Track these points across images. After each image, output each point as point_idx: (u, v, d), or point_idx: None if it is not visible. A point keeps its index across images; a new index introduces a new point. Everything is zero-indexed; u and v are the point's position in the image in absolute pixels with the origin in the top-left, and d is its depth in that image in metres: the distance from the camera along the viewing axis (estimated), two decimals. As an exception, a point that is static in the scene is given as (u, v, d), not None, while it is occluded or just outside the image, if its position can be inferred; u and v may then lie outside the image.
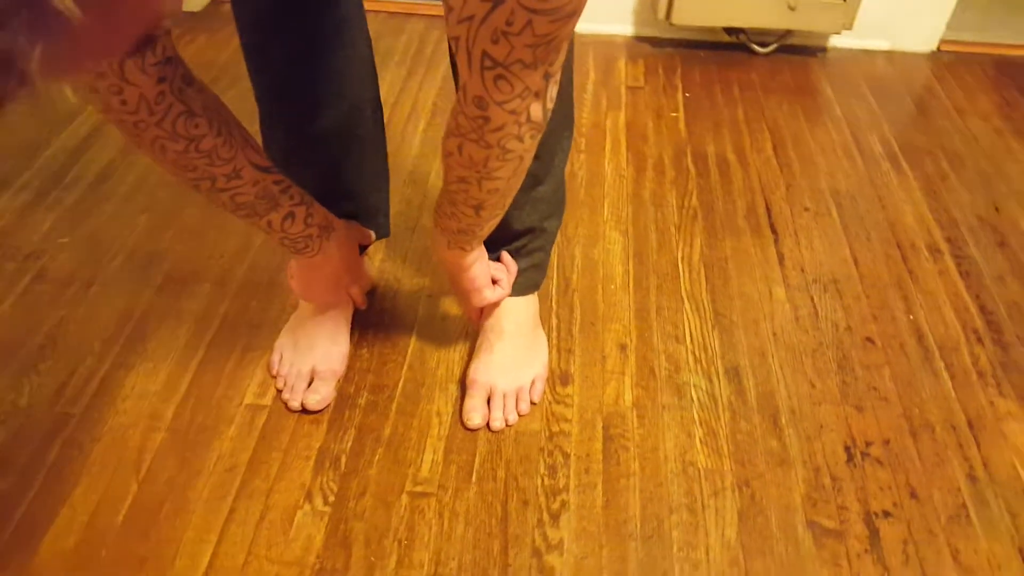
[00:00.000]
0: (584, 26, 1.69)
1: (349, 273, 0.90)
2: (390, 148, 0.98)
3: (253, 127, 0.78)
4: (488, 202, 0.66)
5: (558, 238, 1.06)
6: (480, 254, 0.81)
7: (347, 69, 0.82)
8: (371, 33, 0.87)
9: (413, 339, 1.00)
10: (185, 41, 1.59)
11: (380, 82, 0.91)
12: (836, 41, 1.72)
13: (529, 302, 0.96)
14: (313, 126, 0.83)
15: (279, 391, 0.93)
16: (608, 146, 1.38)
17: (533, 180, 0.83)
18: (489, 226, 0.73)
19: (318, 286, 0.88)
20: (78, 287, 1.04)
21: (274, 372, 0.94)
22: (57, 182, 1.22)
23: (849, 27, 1.58)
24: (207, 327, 1.00)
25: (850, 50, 1.71)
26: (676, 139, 1.40)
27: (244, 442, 0.87)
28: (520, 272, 0.91)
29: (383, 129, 0.93)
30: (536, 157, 0.76)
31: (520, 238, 0.90)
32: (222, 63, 1.53)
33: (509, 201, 0.69)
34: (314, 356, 0.92)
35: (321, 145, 0.86)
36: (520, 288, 0.93)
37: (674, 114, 1.48)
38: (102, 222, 1.15)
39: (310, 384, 0.91)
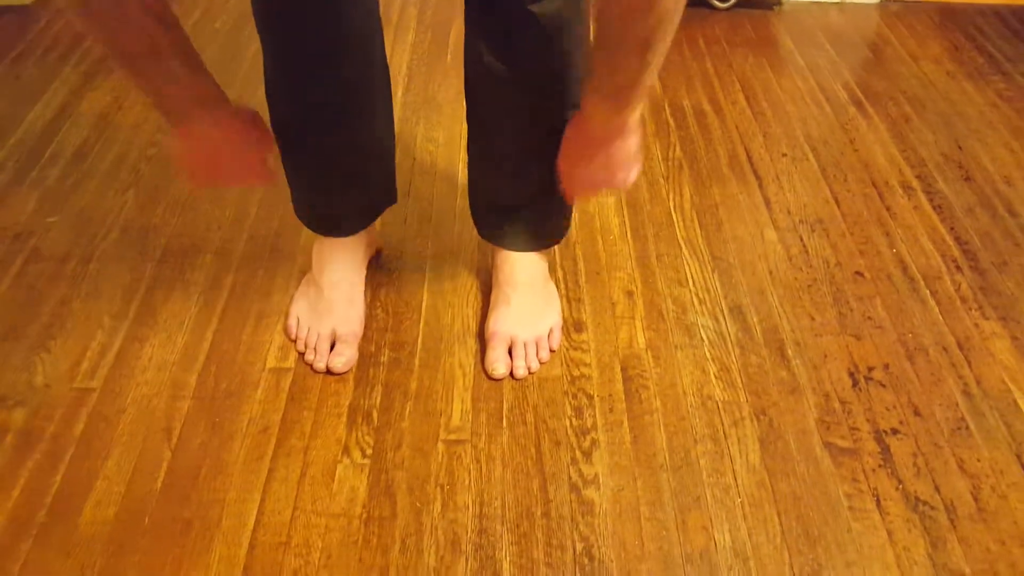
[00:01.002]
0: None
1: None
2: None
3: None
4: (655, 37, 0.61)
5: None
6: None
7: (361, 24, 0.81)
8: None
9: (425, 297, 1.02)
10: None
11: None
12: None
13: (541, 255, 0.98)
14: (328, 82, 0.81)
15: (301, 354, 0.93)
16: (589, 103, 1.40)
17: None
18: (652, 75, 0.67)
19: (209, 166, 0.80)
20: (76, 264, 1.02)
21: (293, 336, 0.94)
22: (35, 161, 1.17)
23: None
24: (217, 297, 0.99)
25: (804, 2, 1.77)
26: (652, 94, 1.43)
27: (273, 404, 0.88)
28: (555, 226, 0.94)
29: (390, 89, 0.92)
30: None
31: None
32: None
33: (672, 34, 0.63)
34: (333, 319, 0.93)
35: (335, 104, 0.84)
36: (540, 242, 0.95)
37: None
38: (89, 199, 1.12)
39: (332, 347, 0.92)
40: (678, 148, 1.30)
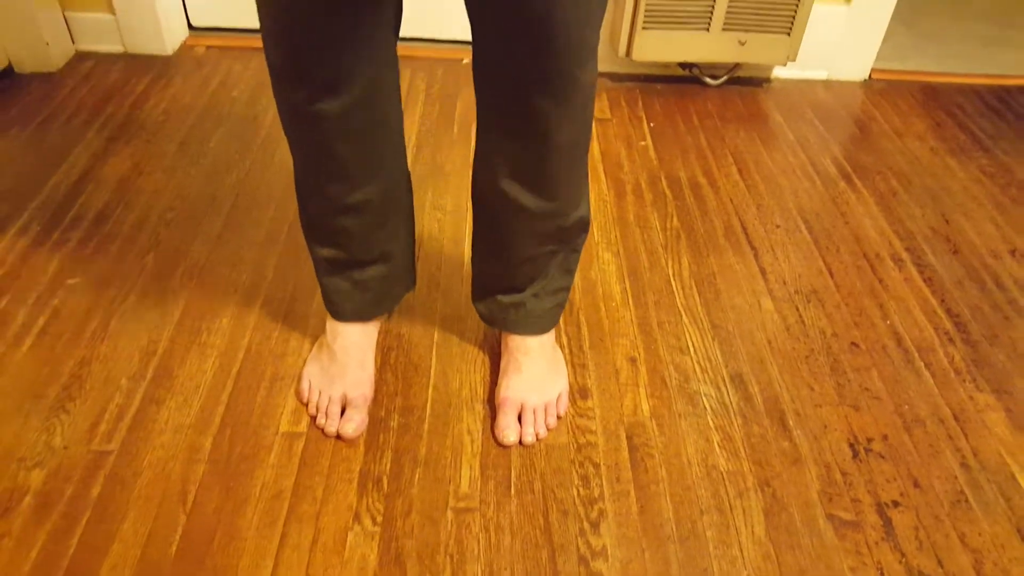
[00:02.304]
0: (554, 60, 1.78)
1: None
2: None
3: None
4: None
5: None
6: None
7: (385, 146, 0.85)
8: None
9: (434, 361, 1.04)
10: (160, 86, 1.60)
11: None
12: (779, 72, 1.86)
13: (548, 322, 1.01)
14: (353, 198, 0.85)
15: (313, 418, 0.95)
16: (588, 174, 1.45)
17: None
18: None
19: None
20: (95, 326, 1.04)
21: (305, 400, 0.97)
22: (57, 223, 1.21)
23: (793, 59, 1.71)
24: (232, 360, 1.02)
25: (792, 80, 1.85)
26: (649, 166, 1.49)
27: (286, 469, 0.89)
28: (547, 310, 0.97)
29: (412, 194, 0.96)
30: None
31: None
32: (202, 107, 1.54)
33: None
34: (344, 382, 0.95)
35: (359, 215, 0.88)
36: (547, 324, 0.99)
37: (643, 143, 1.57)
38: (109, 262, 1.15)
39: (343, 411, 0.94)
40: (675, 218, 1.35)
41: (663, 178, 1.46)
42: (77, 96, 1.53)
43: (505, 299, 0.97)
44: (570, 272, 0.97)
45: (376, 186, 0.86)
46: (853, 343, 1.12)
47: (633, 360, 1.07)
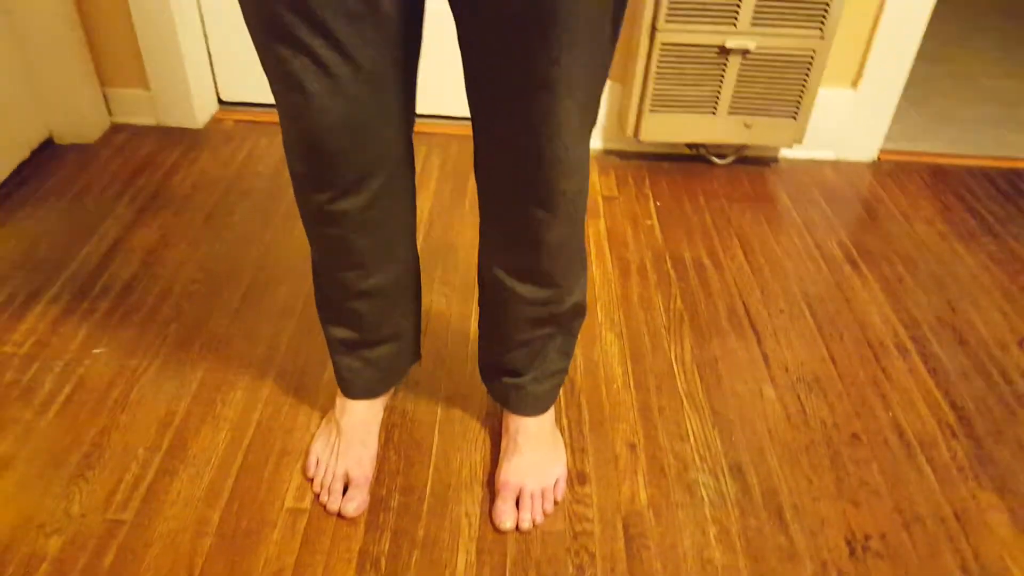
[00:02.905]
0: (568, 139, 1.85)
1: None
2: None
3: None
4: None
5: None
6: None
7: (400, 235, 0.90)
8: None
9: (436, 440, 1.07)
10: (190, 158, 1.68)
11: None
12: (786, 152, 1.90)
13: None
14: (367, 284, 0.90)
15: (316, 495, 0.98)
16: (593, 252, 1.50)
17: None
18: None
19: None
20: (117, 395, 1.09)
21: (310, 475, 1.00)
22: (87, 293, 1.27)
23: (800, 141, 1.76)
24: (243, 433, 1.06)
25: (799, 160, 1.90)
26: (654, 245, 1.54)
27: (288, 546, 0.92)
28: (545, 391, 1.01)
29: (419, 274, 1.01)
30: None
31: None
32: (228, 180, 1.61)
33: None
34: (347, 460, 0.99)
35: (372, 299, 0.92)
36: (546, 405, 1.02)
37: (649, 222, 1.61)
38: (133, 332, 1.20)
39: (346, 488, 0.97)
40: (679, 299, 1.38)
41: (668, 258, 1.50)
42: (111, 167, 1.62)
43: (507, 381, 1.00)
44: (567, 355, 1.00)
45: (389, 272, 0.90)
46: (854, 434, 1.13)
47: (632, 446, 1.09)
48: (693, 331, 1.31)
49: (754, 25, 1.59)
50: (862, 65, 1.82)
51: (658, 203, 1.68)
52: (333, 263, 0.88)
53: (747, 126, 1.74)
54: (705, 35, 1.60)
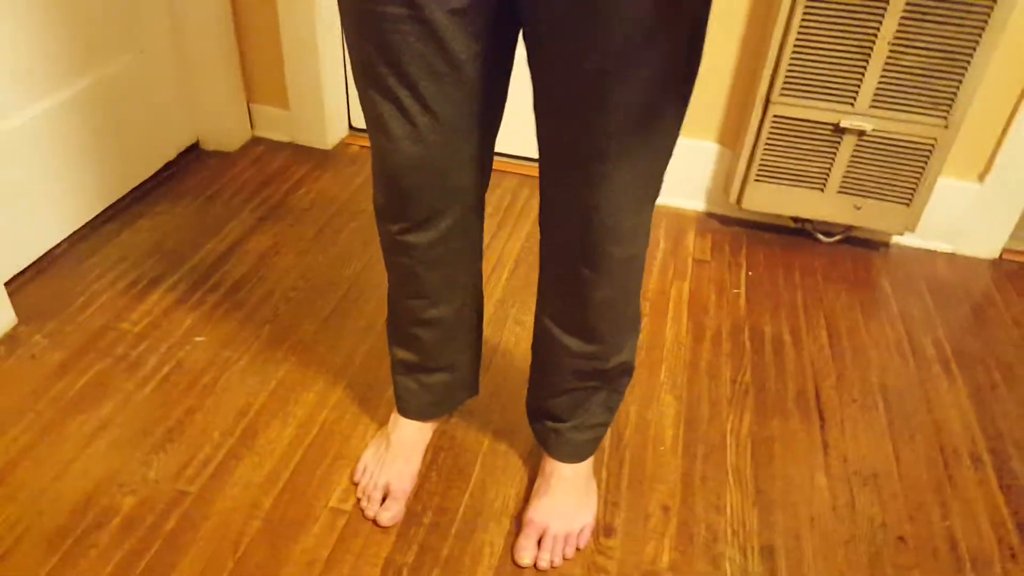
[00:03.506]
0: (660, 199, 1.87)
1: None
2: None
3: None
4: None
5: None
6: None
7: (462, 274, 0.98)
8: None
9: (477, 469, 1.13)
10: (314, 176, 1.85)
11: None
12: (900, 238, 1.83)
13: (586, 454, 1.08)
14: (428, 314, 0.99)
15: (358, 499, 1.06)
16: (671, 313, 1.51)
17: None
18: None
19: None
20: (207, 381, 1.23)
21: (356, 480, 1.08)
22: (200, 286, 1.43)
23: (912, 229, 1.70)
24: (307, 432, 1.16)
25: (913, 248, 1.82)
26: (735, 314, 1.53)
27: (325, 540, 1.00)
28: (584, 442, 1.04)
29: (482, 312, 1.08)
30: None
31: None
32: (344, 200, 1.76)
33: None
34: (390, 473, 1.06)
35: (432, 328, 1.01)
36: (583, 454, 1.06)
37: (736, 290, 1.61)
38: (232, 327, 1.35)
39: (385, 498, 1.04)
40: (748, 373, 1.38)
41: (747, 329, 1.49)
42: (244, 176, 1.81)
43: (549, 424, 1.05)
44: (611, 410, 1.04)
45: (449, 306, 0.98)
46: (901, 537, 1.09)
47: (666, 509, 1.10)
48: (756, 407, 1.30)
49: (873, 106, 1.57)
50: (992, 158, 1.74)
51: (750, 273, 1.67)
52: (401, 290, 0.97)
53: (856, 207, 1.70)
54: (820, 112, 1.59)
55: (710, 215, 1.87)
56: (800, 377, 1.38)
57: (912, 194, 1.65)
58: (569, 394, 1.00)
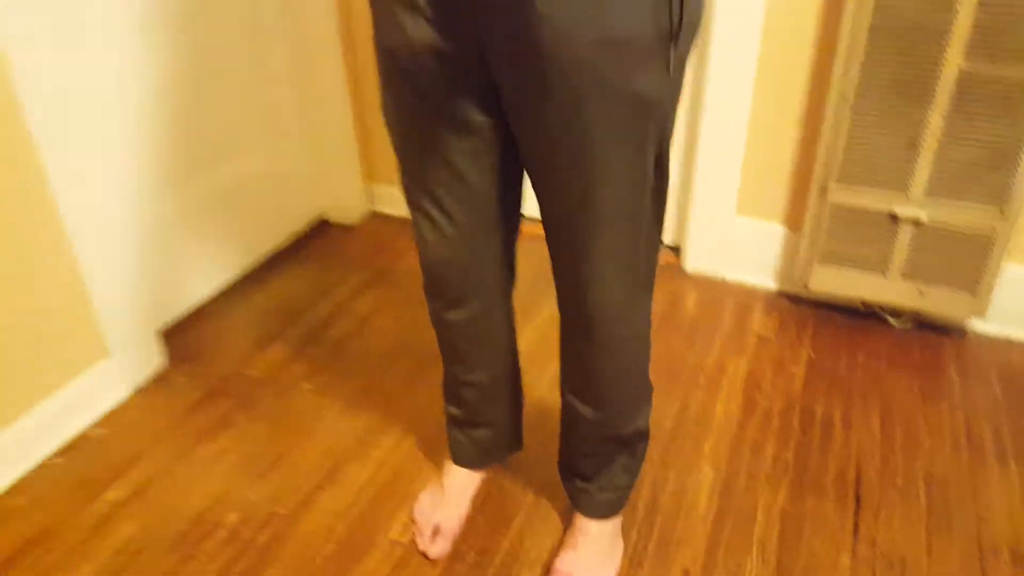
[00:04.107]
0: (729, 273, 1.97)
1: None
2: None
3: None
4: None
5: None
6: None
7: (495, 346, 1.16)
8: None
9: (520, 518, 1.29)
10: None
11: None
12: (976, 324, 1.81)
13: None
14: (468, 377, 1.18)
15: (414, 534, 1.25)
16: (725, 387, 1.61)
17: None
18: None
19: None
20: (306, 423, 1.47)
21: (414, 517, 1.27)
22: (310, 341, 1.71)
23: (981, 315, 1.69)
24: (382, 472, 1.37)
25: (988, 336, 1.79)
26: (789, 394, 1.60)
27: (382, 567, 1.20)
28: (607, 501, 1.18)
29: (518, 377, 1.25)
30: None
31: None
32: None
33: None
34: (442, 514, 1.24)
35: (472, 389, 1.19)
36: (607, 513, 1.20)
37: (794, 369, 1.66)
38: (332, 377, 1.60)
39: (435, 535, 1.23)
40: (791, 451, 1.45)
41: (798, 410, 1.56)
42: (359, 246, 2.10)
43: (577, 483, 1.20)
44: (631, 474, 1.17)
45: (485, 372, 1.17)
46: (913, 624, 1.13)
47: (686, 572, 1.21)
48: (793, 484, 1.37)
49: (928, 195, 1.60)
50: (1076, 246, 1.72)
51: (812, 354, 1.73)
52: (446, 355, 1.17)
53: (920, 293, 1.72)
54: (875, 200, 1.65)
55: (781, 294, 1.93)
56: (843, 459, 1.44)
57: (976, 281, 1.66)
58: (591, 457, 1.15)
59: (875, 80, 1.55)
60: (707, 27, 1.75)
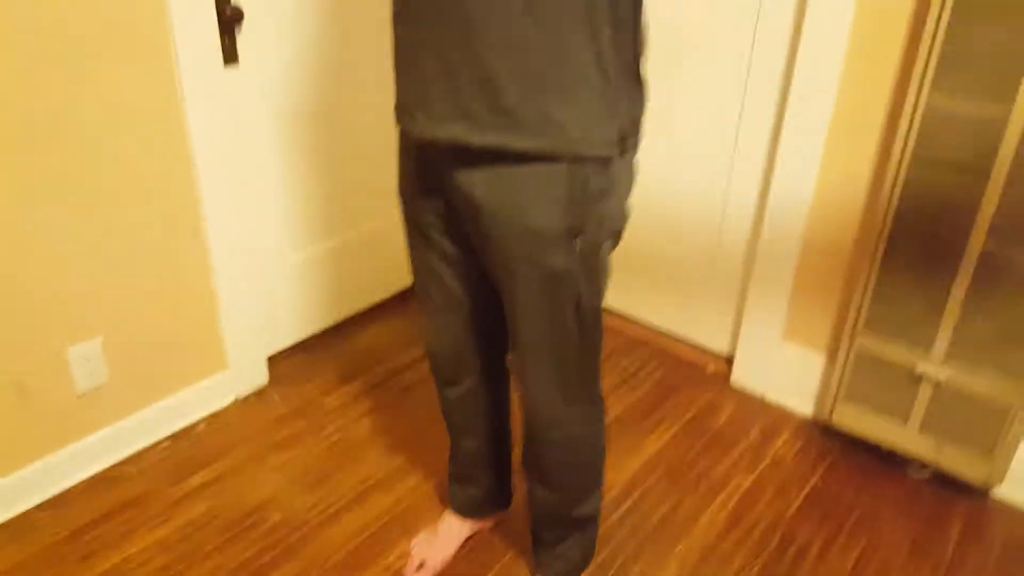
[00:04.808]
0: (770, 393, 2.08)
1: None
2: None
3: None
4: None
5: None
6: None
7: (484, 420, 1.42)
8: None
9: (496, 569, 1.53)
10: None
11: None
12: (999, 489, 1.77)
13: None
14: (460, 443, 1.45)
15: (407, 562, 1.54)
16: (720, 498, 1.76)
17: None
18: None
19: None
20: (354, 452, 1.82)
21: (411, 548, 1.56)
22: (380, 385, 2.06)
23: (996, 482, 1.69)
24: (399, 505, 1.67)
25: (1007, 503, 1.76)
26: (779, 516, 1.69)
27: (372, 584, 1.50)
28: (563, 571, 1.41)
29: (507, 448, 1.50)
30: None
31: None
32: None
33: None
34: (430, 551, 1.52)
35: (464, 452, 1.46)
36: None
37: (792, 495, 1.74)
38: (387, 418, 1.93)
39: (420, 568, 1.50)
40: (757, 569, 1.57)
41: (780, 532, 1.66)
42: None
43: (538, 549, 1.43)
44: (583, 549, 1.39)
45: (474, 441, 1.44)
46: None
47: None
48: (747, 598, 1.51)
49: (949, 358, 1.67)
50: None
51: (818, 484, 1.81)
52: (446, 422, 1.46)
53: (938, 448, 1.76)
54: (899, 353, 1.74)
55: (814, 422, 1.99)
56: (805, 585, 1.55)
57: (992, 448, 1.68)
58: (547, 529, 1.38)
59: (904, 242, 1.66)
60: (767, 184, 1.94)
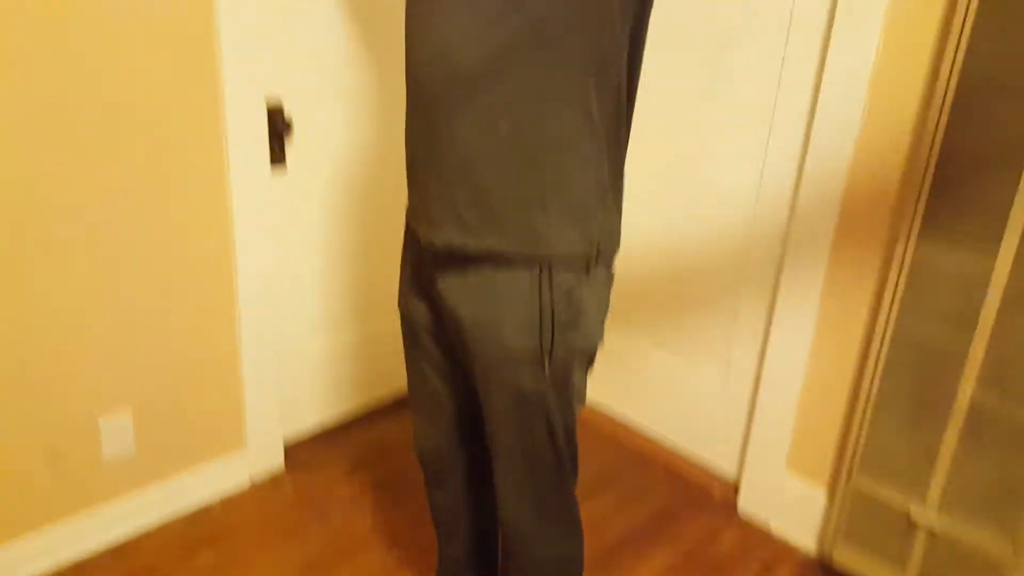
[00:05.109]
0: (776, 523, 2.06)
1: None
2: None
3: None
4: None
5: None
6: None
7: (465, 525, 1.46)
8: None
9: None
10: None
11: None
12: None
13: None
14: (444, 543, 1.50)
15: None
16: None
17: None
18: None
19: None
20: (356, 541, 1.88)
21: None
22: (388, 479, 2.13)
23: None
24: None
25: None
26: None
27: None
28: None
29: (493, 550, 1.52)
30: None
31: None
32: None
33: None
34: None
35: (450, 555, 1.50)
36: None
37: None
38: (385, 511, 2.00)
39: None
40: None
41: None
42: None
43: None
44: None
45: (458, 546, 1.48)
46: None
47: None
48: None
49: (943, 506, 1.65)
50: None
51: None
52: (433, 523, 1.51)
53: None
54: (893, 497, 1.73)
55: (818, 560, 1.95)
56: None
57: (995, 607, 1.64)
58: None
59: (896, 388, 1.70)
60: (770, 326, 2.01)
